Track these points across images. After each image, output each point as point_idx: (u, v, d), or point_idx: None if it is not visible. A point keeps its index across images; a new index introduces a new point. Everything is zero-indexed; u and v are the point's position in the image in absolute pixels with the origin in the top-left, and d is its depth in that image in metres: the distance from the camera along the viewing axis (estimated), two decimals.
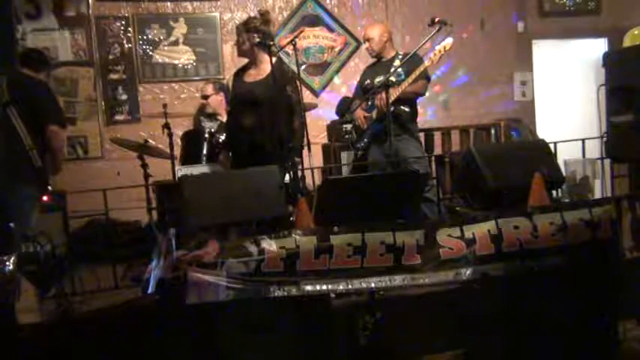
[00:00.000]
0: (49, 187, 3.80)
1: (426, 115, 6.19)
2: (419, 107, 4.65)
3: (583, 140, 4.30)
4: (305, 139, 3.79)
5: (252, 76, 3.89)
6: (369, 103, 4.41)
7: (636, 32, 5.58)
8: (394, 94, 4.11)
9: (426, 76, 4.32)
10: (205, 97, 5.05)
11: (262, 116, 3.77)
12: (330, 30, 6.14)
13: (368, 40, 4.55)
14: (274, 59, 3.79)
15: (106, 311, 2.83)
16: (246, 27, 3.83)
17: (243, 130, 3.83)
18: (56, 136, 3.84)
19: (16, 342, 2.39)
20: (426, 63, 4.12)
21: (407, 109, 4.39)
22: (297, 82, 3.84)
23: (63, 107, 5.48)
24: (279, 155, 3.61)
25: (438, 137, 5.70)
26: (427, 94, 4.71)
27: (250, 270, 2.30)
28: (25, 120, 3.69)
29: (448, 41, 4.07)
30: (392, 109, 4.03)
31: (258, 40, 3.76)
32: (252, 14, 5.51)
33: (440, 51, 4.08)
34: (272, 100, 3.67)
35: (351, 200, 2.80)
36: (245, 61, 4.03)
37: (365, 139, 4.46)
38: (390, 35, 4.60)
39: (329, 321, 2.57)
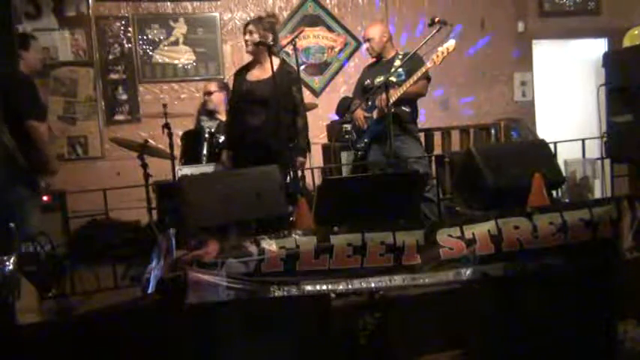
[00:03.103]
0: (42, 186, 3.70)
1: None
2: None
3: (583, 140, 4.30)
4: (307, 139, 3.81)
5: (256, 75, 3.89)
6: (369, 103, 4.41)
7: (636, 32, 5.59)
8: (395, 94, 4.10)
9: (426, 77, 4.32)
10: (209, 92, 5.05)
11: (266, 115, 3.77)
12: (330, 30, 6.13)
13: (368, 40, 4.55)
14: (279, 59, 3.80)
15: (105, 311, 2.83)
16: (262, 25, 3.82)
17: (246, 129, 3.83)
18: (34, 132, 3.51)
19: (16, 342, 2.38)
20: (429, 64, 4.10)
21: (407, 110, 4.40)
22: (301, 83, 3.85)
23: (63, 107, 5.53)
24: (282, 155, 3.61)
25: (438, 137, 5.70)
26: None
27: (250, 270, 2.30)
28: (4, 118, 3.35)
29: (451, 43, 4.04)
30: (392, 109, 4.02)
31: (263, 40, 3.77)
32: (252, 14, 5.55)
33: (443, 52, 4.06)
34: (276, 100, 3.67)
35: (351, 200, 2.80)
36: (246, 60, 4.04)
37: (365, 139, 4.46)
38: (390, 35, 4.59)
39: (329, 321, 2.57)
